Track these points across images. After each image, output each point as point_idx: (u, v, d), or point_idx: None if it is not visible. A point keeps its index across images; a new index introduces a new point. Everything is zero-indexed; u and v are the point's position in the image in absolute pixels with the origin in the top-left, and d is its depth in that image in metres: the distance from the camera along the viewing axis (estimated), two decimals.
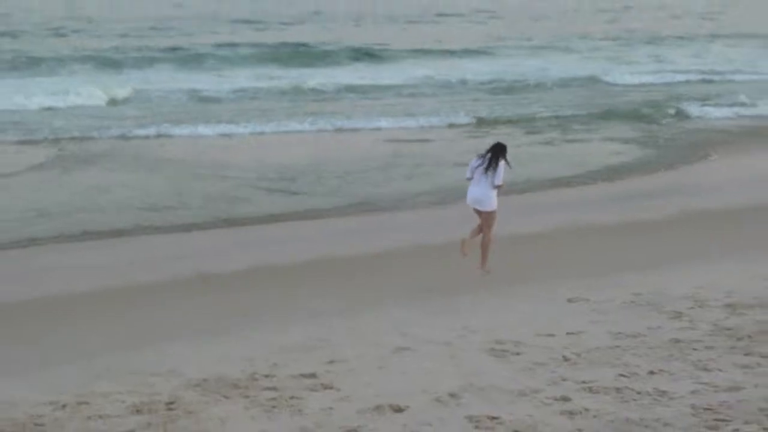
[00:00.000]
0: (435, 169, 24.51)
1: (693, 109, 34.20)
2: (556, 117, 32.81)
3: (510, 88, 41.39)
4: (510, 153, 15.44)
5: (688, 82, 43.45)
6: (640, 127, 30.64)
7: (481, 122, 31.91)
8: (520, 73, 45.44)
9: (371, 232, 18.81)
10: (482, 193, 15.34)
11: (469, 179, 15.61)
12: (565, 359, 9.25)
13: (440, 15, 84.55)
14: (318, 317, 12.82)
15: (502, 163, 15.36)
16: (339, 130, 30.82)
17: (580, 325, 10.73)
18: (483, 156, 15.46)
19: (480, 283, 14.73)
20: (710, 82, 43.70)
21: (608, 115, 33.05)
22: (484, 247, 15.47)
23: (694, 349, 9.28)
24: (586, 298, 12.40)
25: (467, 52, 53.42)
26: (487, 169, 15.24)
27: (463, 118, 32.43)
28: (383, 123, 31.65)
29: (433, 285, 14.77)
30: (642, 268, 14.90)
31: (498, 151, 15.42)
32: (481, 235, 15.51)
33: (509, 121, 32.11)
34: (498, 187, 15.31)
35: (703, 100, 36.76)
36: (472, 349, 10.00)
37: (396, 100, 37.88)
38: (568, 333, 10.35)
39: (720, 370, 8.53)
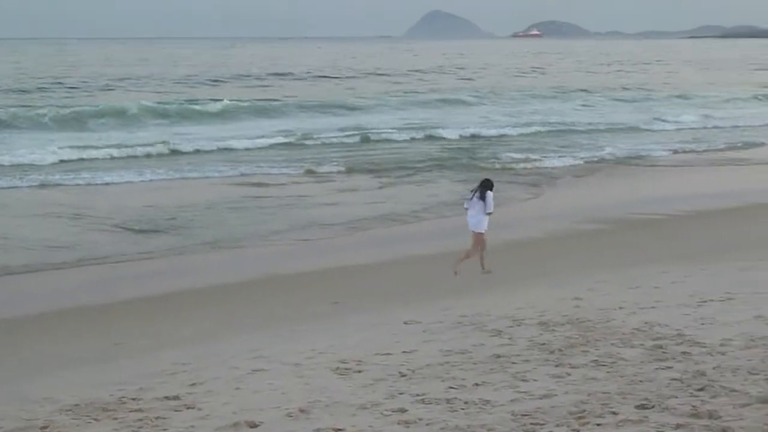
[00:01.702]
0: (292, 210, 24.48)
1: (516, 155, 35.14)
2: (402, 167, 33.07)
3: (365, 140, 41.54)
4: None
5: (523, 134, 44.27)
6: (472, 175, 30.99)
7: (350, 170, 32.00)
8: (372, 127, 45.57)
9: (227, 265, 18.76)
10: (475, 219, 17.53)
11: (467, 209, 17.78)
12: (402, 375, 9.28)
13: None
14: (181, 344, 12.73)
15: (489, 194, 17.46)
16: (206, 177, 30.62)
17: (415, 344, 10.79)
18: (474, 190, 17.68)
19: (325, 309, 14.81)
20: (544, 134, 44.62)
21: (444, 164, 33.51)
22: (474, 255, 17.60)
23: (513, 363, 9.40)
24: (419, 320, 12.49)
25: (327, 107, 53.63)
26: (480, 198, 17.36)
27: (330, 167, 32.51)
28: (243, 169, 31.66)
29: (284, 312, 14.82)
30: (467, 292, 15.19)
31: (485, 185, 17.59)
32: (465, 255, 17.56)
33: (367, 170, 32.18)
34: (489, 214, 17.47)
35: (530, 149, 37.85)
36: (319, 368, 9.96)
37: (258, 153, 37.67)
38: (404, 351, 10.39)
39: (535, 380, 8.65)
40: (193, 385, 9.78)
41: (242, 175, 31.04)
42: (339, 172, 31.61)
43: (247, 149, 37.96)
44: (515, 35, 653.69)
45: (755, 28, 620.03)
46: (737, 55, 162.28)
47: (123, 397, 9.40)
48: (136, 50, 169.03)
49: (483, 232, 17.60)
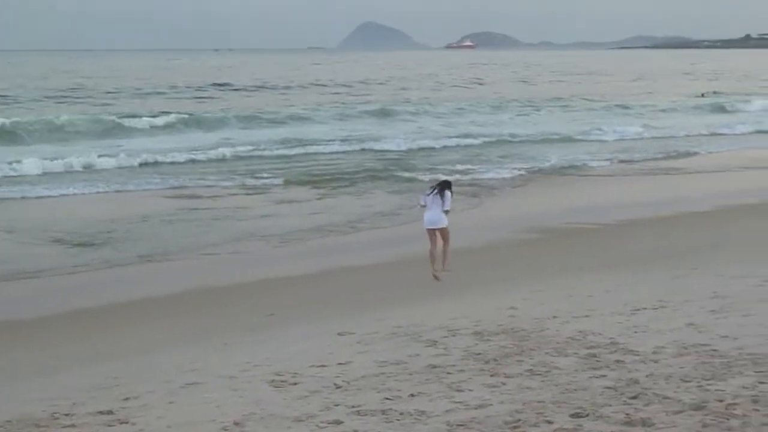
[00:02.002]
0: (227, 222, 24.31)
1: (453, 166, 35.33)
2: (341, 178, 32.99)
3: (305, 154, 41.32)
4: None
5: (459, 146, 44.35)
6: (408, 186, 31.04)
7: (287, 182, 31.84)
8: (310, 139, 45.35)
9: (160, 278, 18.60)
10: (437, 216, 18.13)
11: (423, 206, 18.42)
12: (337, 386, 9.24)
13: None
14: (115, 358, 12.60)
15: (447, 192, 18.22)
16: (142, 190, 30.32)
17: (349, 356, 10.76)
18: (432, 188, 18.41)
19: (260, 321, 14.76)
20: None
21: (380, 175, 33.47)
22: (446, 255, 18.16)
23: (449, 373, 9.41)
24: (353, 331, 12.46)
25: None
26: (438, 196, 18.06)
27: (266, 178, 32.35)
28: (179, 182, 31.41)
29: (218, 324, 14.73)
30: (401, 303, 15.20)
31: (444, 185, 18.43)
32: (439, 251, 18.05)
33: (303, 182, 32.03)
34: (446, 211, 18.17)
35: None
36: (254, 381, 9.89)
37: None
38: (339, 363, 10.36)
39: (471, 390, 8.67)
40: (126, 399, 9.66)
41: (178, 187, 30.74)
42: (275, 184, 31.44)
43: (183, 162, 37.45)
44: (449, 46, 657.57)
45: (686, 38, 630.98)
46: (671, 65, 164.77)
47: (56, 413, 9.25)
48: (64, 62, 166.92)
49: (446, 226, 18.24)
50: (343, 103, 66.29)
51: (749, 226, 22.28)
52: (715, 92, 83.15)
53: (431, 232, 18.20)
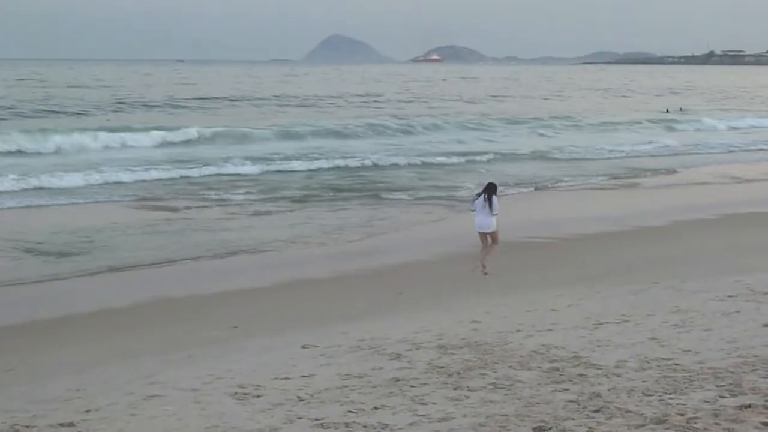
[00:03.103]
0: (195, 235, 24.20)
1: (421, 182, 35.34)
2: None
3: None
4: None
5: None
6: (375, 202, 30.99)
7: (254, 196, 31.66)
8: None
9: (124, 289, 18.50)
10: (486, 221, 19.57)
11: (473, 211, 19.84)
12: (300, 399, 9.23)
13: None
14: (76, 369, 12.51)
15: (495, 198, 19.55)
16: (112, 201, 30.13)
17: (313, 369, 10.75)
18: (480, 194, 19.75)
19: (223, 334, 14.70)
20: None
21: (347, 191, 33.31)
22: (494, 255, 19.59)
23: (412, 386, 9.43)
24: (317, 344, 12.45)
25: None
26: (487, 201, 19.40)
27: (233, 193, 32.20)
28: (149, 194, 31.17)
29: (181, 337, 14.66)
30: (365, 316, 15.22)
31: (491, 189, 19.72)
32: (487, 252, 19.57)
33: (270, 197, 31.88)
34: (495, 215, 19.47)
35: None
36: (216, 393, 9.85)
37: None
38: (302, 376, 10.34)
39: (434, 403, 8.69)
40: (87, 411, 9.59)
41: (148, 199, 30.57)
42: (242, 199, 31.27)
43: (152, 180, 36.88)
44: (416, 60, 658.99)
45: (648, 54, 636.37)
46: (633, 81, 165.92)
47: (16, 425, 9.16)
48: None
49: (495, 230, 19.69)
50: (317, 119, 65.28)
51: (704, 240, 22.55)
52: (681, 109, 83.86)
53: (482, 235, 19.81)
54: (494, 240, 19.76)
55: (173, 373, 11.55)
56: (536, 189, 34.16)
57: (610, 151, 49.28)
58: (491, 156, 45.57)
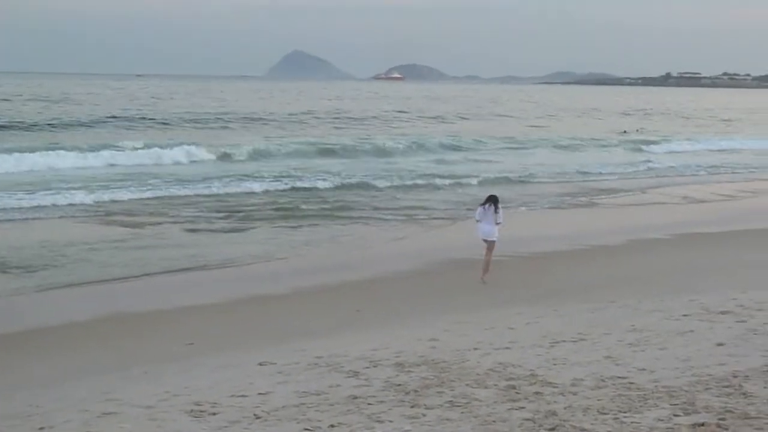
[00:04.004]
0: (152, 251, 24.01)
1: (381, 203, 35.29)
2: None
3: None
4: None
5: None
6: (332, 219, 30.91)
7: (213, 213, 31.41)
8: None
9: (81, 304, 18.34)
10: (490, 229, 20.78)
11: (478, 221, 21.04)
12: (257, 417, 9.19)
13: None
14: (32, 386, 12.39)
15: (500, 207, 20.91)
16: (72, 217, 29.84)
17: (270, 386, 10.71)
18: (484, 204, 20.99)
19: (179, 350, 14.63)
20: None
21: (303, 210, 33.15)
22: (488, 264, 20.47)
23: (369, 404, 9.42)
24: (274, 361, 12.41)
25: None
26: (492, 210, 20.68)
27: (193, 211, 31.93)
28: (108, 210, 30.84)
29: (137, 353, 14.56)
30: (322, 333, 15.19)
31: (495, 200, 20.98)
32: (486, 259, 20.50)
33: (227, 216, 31.73)
34: (498, 224, 20.76)
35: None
36: (173, 411, 9.78)
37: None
38: (259, 393, 10.30)
39: (391, 421, 8.69)
40: (42, 429, 9.52)
41: (107, 214, 30.28)
42: (199, 216, 31.01)
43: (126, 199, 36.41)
44: (377, 77, 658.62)
45: (608, 75, 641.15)
46: (593, 101, 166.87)
47: None
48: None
49: (495, 240, 20.77)
50: (281, 137, 64.87)
51: (659, 260, 22.74)
52: (638, 130, 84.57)
53: (486, 242, 20.80)
54: (491, 249, 20.69)
55: (130, 389, 11.47)
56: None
57: (576, 172, 49.50)
58: (476, 179, 45.23)
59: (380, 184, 41.94)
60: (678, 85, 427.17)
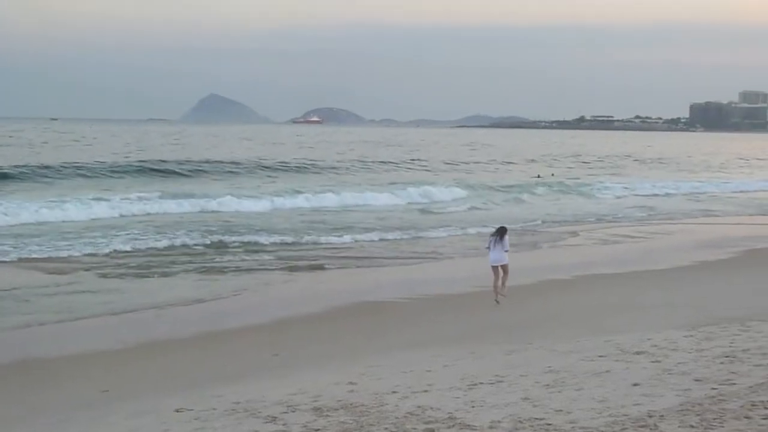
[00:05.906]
0: (63, 297, 23.52)
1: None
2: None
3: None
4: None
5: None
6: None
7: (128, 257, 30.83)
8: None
9: None
10: (499, 255, 23.43)
11: (488, 248, 23.79)
12: None
13: None
14: None
15: (506, 236, 23.83)
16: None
17: None
18: (494, 235, 23.81)
19: (94, 397, 14.34)
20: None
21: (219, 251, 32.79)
22: (505, 282, 23.36)
23: None
24: (191, 407, 12.25)
25: None
26: (500, 239, 23.49)
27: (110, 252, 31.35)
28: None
29: (51, 399, 14.26)
30: (240, 378, 15.01)
31: (502, 231, 23.92)
32: (500, 282, 23.23)
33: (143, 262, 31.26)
34: (506, 251, 23.54)
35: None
36: None
37: None
38: None
39: None
40: None
41: (30, 259, 29.53)
42: (115, 261, 30.44)
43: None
44: (295, 121, 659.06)
45: (523, 119, 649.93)
46: (510, 144, 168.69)
47: None
48: None
49: (507, 263, 23.41)
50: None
51: (572, 300, 22.93)
52: (552, 174, 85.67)
53: (495, 268, 23.32)
54: (505, 271, 23.38)
55: None
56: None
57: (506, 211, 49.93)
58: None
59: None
60: (591, 128, 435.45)
